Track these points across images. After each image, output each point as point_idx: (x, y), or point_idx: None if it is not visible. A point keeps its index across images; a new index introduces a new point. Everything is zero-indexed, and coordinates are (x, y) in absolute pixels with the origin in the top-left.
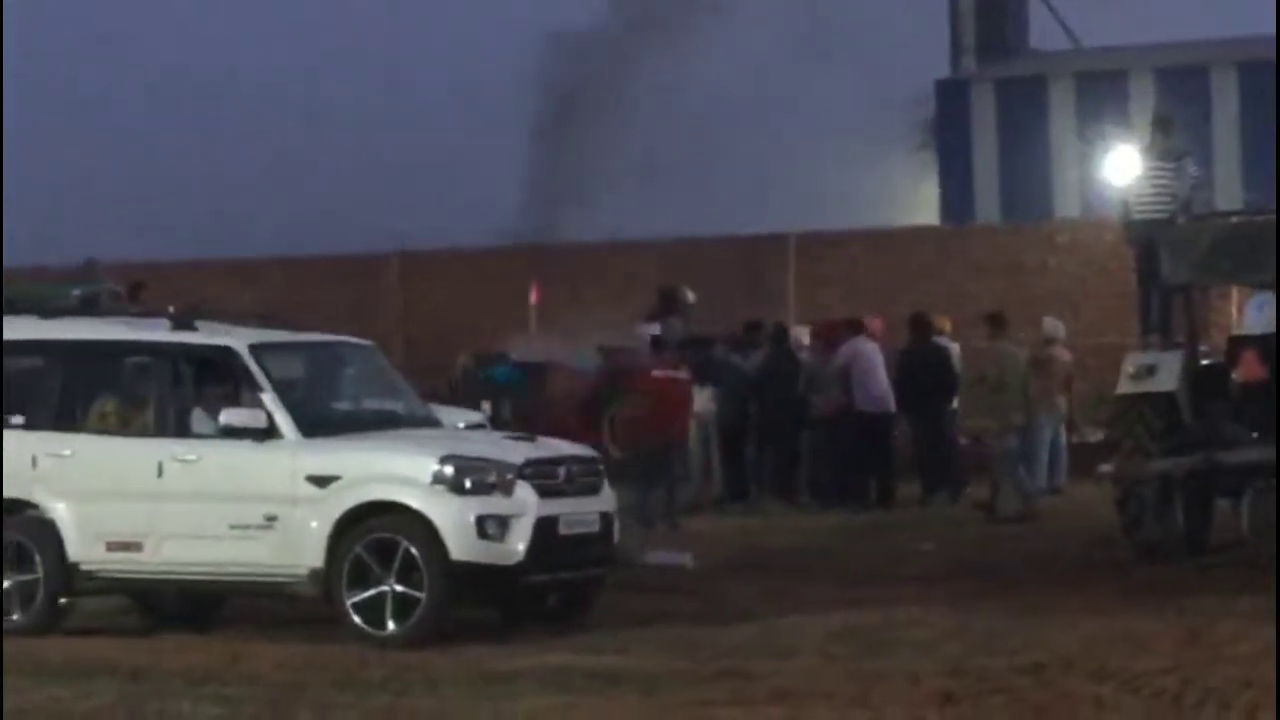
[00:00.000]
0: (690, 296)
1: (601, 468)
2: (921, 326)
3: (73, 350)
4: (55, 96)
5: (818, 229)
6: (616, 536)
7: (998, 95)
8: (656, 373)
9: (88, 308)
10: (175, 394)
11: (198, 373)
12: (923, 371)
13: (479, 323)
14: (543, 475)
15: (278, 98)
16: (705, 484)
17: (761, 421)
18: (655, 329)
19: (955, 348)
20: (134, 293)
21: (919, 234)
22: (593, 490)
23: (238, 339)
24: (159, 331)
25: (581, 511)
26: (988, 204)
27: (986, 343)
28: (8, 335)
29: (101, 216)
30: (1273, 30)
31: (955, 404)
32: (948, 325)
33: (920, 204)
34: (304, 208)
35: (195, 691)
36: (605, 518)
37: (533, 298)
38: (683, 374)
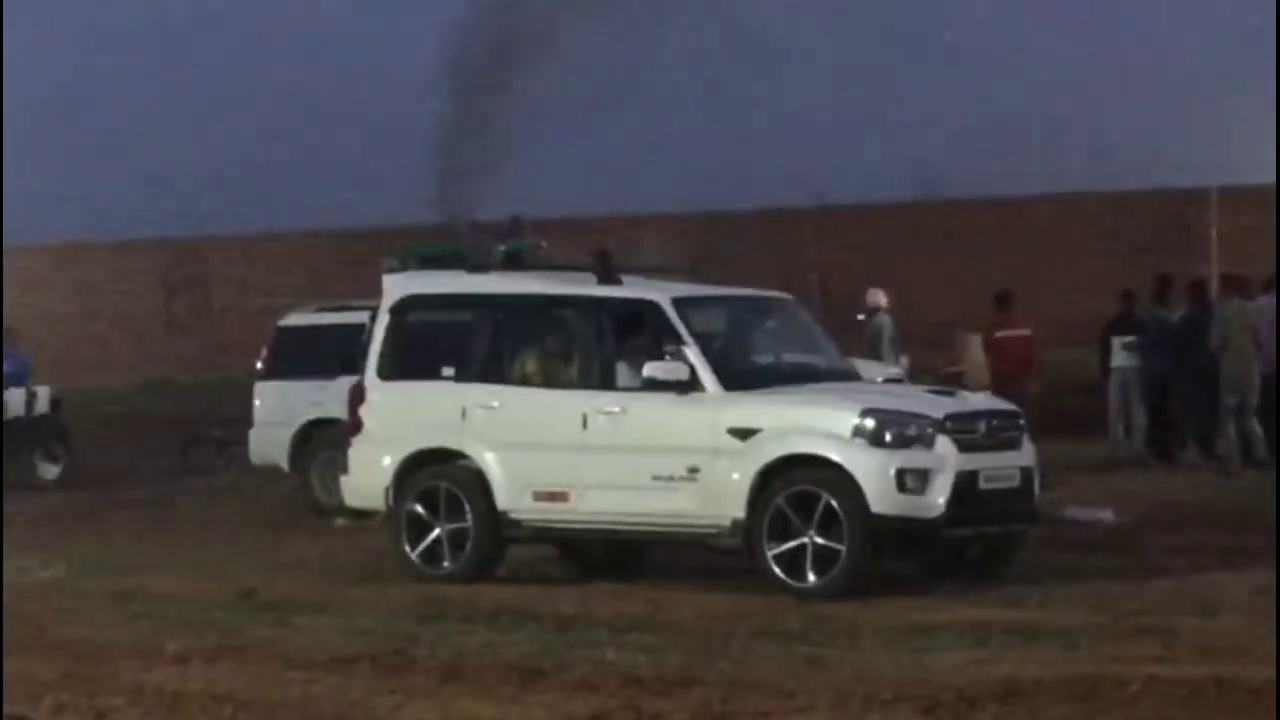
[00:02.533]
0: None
1: (1022, 422)
2: None
3: (501, 304)
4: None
5: (1241, 183)
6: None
7: None
8: (999, 332)
9: (513, 262)
10: (600, 347)
11: (622, 326)
12: None
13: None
14: (963, 429)
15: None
16: (1125, 439)
17: (1182, 376)
18: None
19: None
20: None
21: None
22: (1013, 445)
23: (661, 293)
24: (585, 286)
25: (1002, 466)
26: None
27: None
28: (439, 289)
29: (525, 172)
30: None
31: None
32: None
33: None
34: (727, 161)
35: (620, 639)
36: (1025, 472)
37: None
38: (1026, 331)
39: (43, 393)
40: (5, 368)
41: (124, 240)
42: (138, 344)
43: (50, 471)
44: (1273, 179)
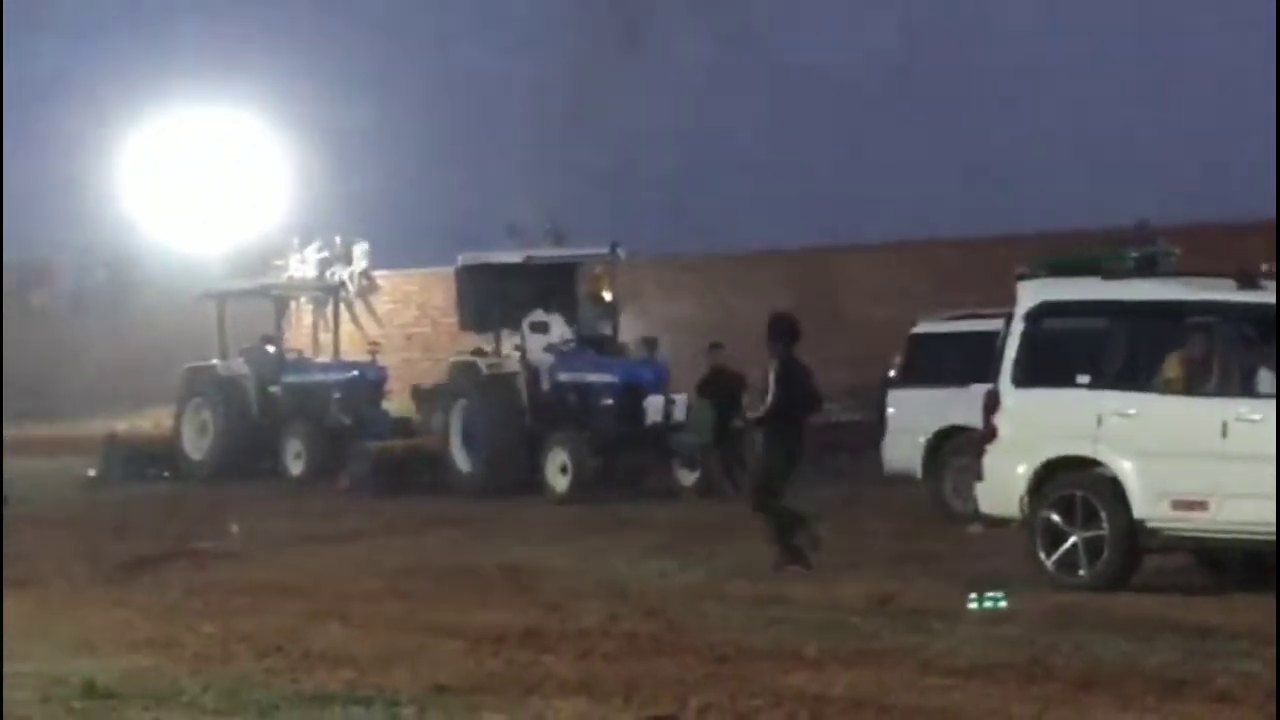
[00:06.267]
0: None
1: None
2: None
3: (1135, 310)
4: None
5: None
6: None
7: None
8: None
9: (1146, 268)
10: (1239, 353)
11: (1263, 332)
12: None
13: None
14: None
15: None
16: None
17: None
18: None
19: None
20: None
21: None
22: None
23: None
24: (1224, 291)
25: None
26: None
27: None
28: (1073, 295)
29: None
30: None
31: None
32: None
33: None
34: None
35: (1263, 651)
36: None
37: None
38: None
39: (680, 400)
40: (645, 375)
41: (755, 251)
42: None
43: (688, 478)
44: None
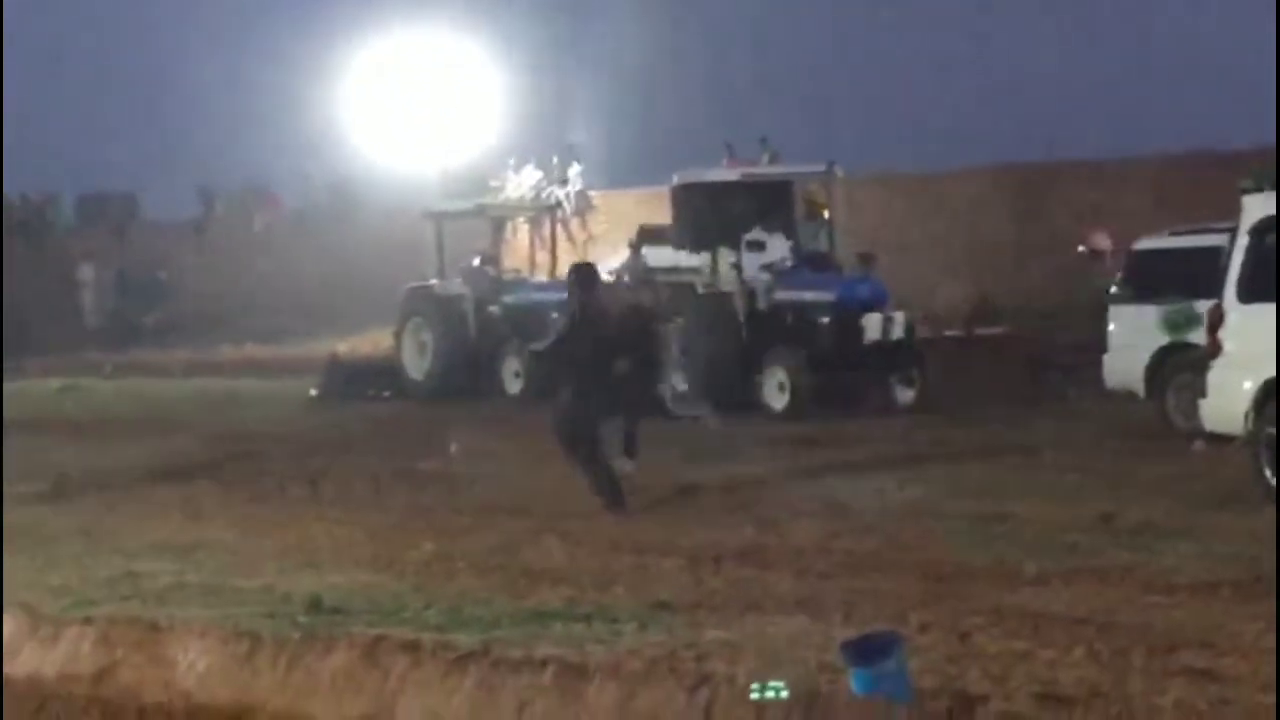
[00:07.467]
0: None
1: None
2: None
3: None
4: None
5: None
6: None
7: None
8: None
9: None
10: None
11: None
12: None
13: None
14: None
15: None
16: None
17: None
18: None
19: None
20: None
21: None
22: None
23: None
24: None
25: None
26: None
27: None
28: None
29: None
30: None
31: None
32: None
33: None
34: None
35: None
36: None
37: None
38: None
39: (899, 318)
40: (863, 292)
41: (970, 167)
42: (984, 269)
43: (905, 396)
44: None
